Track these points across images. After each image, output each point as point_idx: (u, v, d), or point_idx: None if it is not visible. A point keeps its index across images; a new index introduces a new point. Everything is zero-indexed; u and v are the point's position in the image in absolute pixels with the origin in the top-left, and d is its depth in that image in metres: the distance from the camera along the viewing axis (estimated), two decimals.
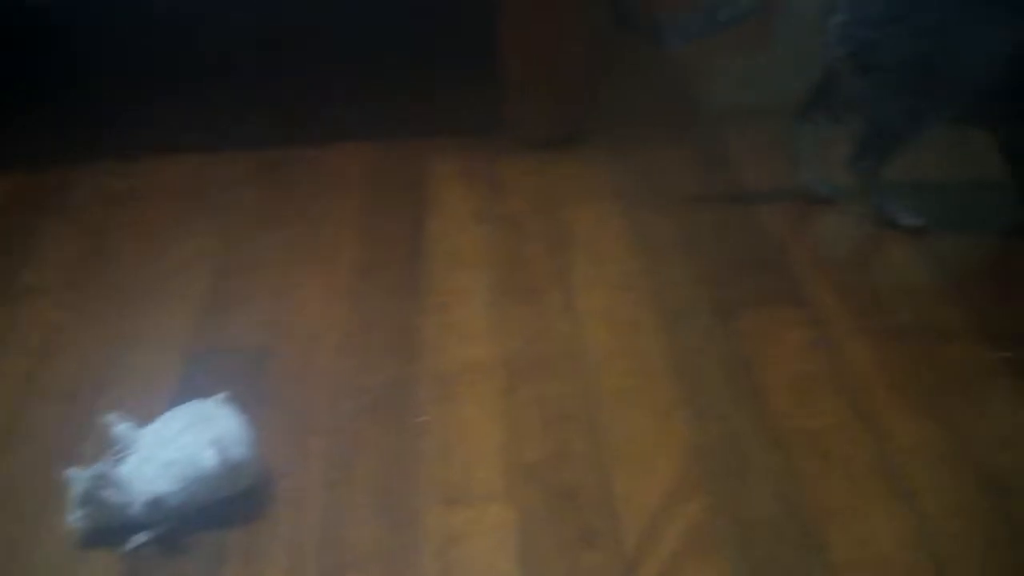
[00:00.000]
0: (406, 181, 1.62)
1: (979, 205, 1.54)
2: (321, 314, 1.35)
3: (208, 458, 1.01)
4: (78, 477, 0.99)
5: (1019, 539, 1.00)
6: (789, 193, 1.55)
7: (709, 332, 1.30)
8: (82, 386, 1.22)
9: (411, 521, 1.03)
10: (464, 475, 1.10)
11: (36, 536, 1.02)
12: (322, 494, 1.07)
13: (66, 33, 2.03)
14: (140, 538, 1.00)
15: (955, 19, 1.38)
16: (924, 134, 1.45)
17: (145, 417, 1.06)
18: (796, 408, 1.17)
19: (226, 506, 1.03)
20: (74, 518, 1.00)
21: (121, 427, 1.04)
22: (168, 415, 1.07)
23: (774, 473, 1.08)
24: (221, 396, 1.08)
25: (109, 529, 1.00)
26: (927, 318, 1.30)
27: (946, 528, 1.01)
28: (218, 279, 1.41)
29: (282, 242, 1.49)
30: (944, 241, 1.44)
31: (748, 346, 1.27)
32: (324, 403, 1.20)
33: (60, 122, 1.81)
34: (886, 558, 0.99)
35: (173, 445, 1.02)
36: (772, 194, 1.56)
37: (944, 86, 1.41)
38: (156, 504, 1.00)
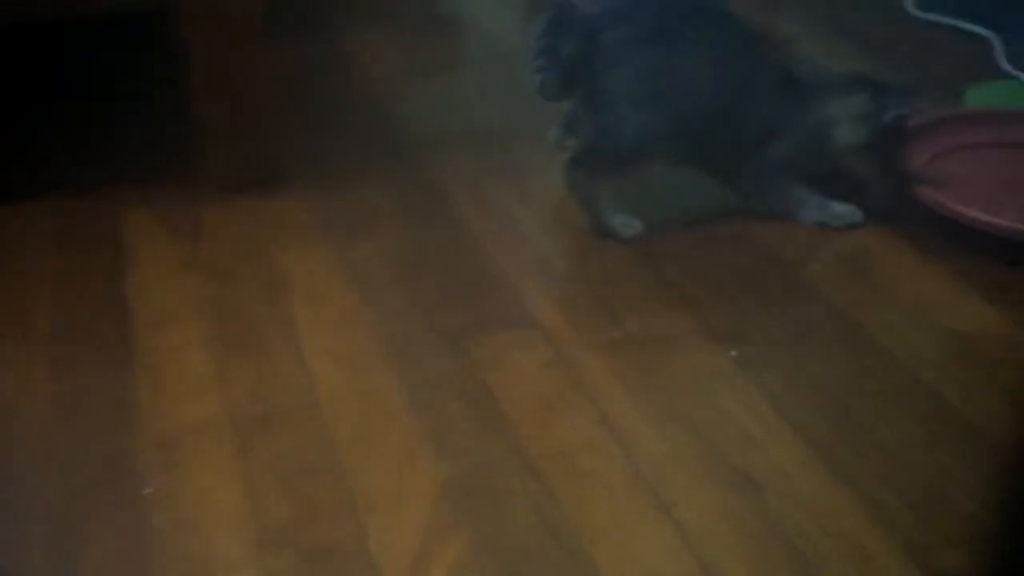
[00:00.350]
0: (102, 234, 1.50)
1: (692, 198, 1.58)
2: (19, 387, 1.22)
3: None
4: None
5: (775, 531, 1.01)
6: (503, 213, 1.54)
7: (442, 363, 1.26)
8: None
9: None
10: (206, 548, 1.00)
11: None
12: None
13: None
14: None
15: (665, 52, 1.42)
16: (644, 166, 1.48)
17: None
18: (544, 431, 1.15)
19: None
20: None
21: None
22: None
23: (532, 500, 1.05)
24: None
25: None
26: (655, 325, 1.31)
27: (708, 532, 1.01)
28: None
29: None
30: (661, 245, 1.46)
31: (484, 373, 1.24)
32: (36, 486, 1.08)
33: None
34: (656, 571, 0.97)
35: None
36: (486, 216, 1.54)
37: (664, 127, 1.43)
38: None
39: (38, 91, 1.89)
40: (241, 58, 1.54)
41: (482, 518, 1.03)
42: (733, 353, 1.26)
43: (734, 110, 1.45)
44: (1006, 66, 1.98)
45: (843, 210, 1.50)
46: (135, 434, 1.15)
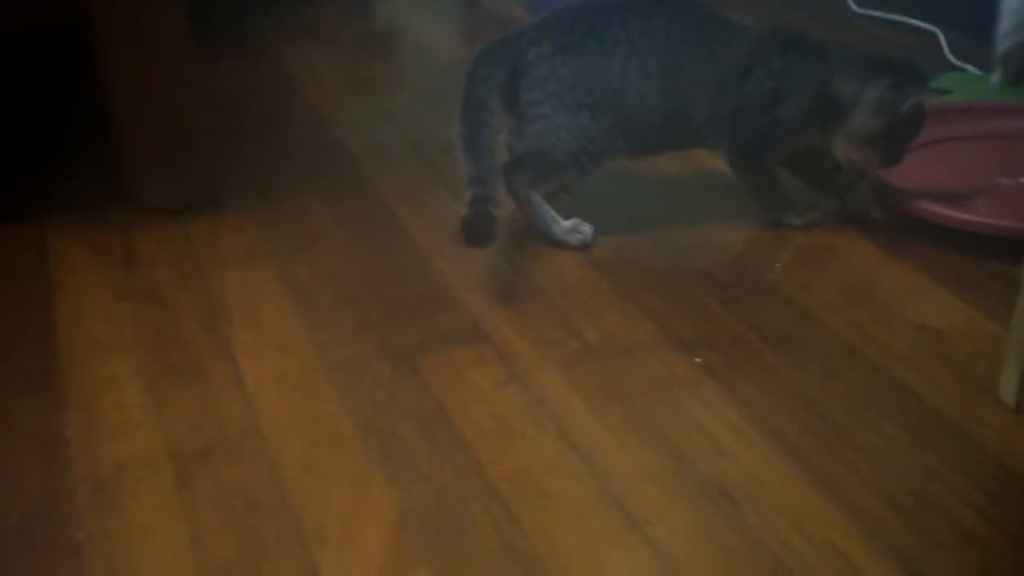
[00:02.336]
0: (28, 265, 1.42)
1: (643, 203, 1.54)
2: None
3: None
4: None
5: (756, 545, 0.95)
6: (449, 227, 1.48)
7: (392, 385, 1.19)
8: None
9: None
10: None
11: None
12: None
13: None
14: None
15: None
16: (598, 168, 1.44)
17: None
18: (503, 452, 1.08)
19: None
20: None
21: None
22: None
23: (494, 525, 0.99)
24: None
25: None
26: (614, 335, 1.26)
27: (685, 551, 0.95)
28: None
29: None
30: (616, 253, 1.41)
31: (437, 394, 1.17)
32: None
33: None
34: None
35: None
36: (432, 230, 1.48)
37: (605, 131, 1.41)
38: None
39: None
40: (167, 78, 1.48)
41: (442, 547, 0.97)
42: (698, 360, 1.20)
43: (693, 92, 1.41)
44: (953, 59, 1.96)
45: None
46: (66, 473, 1.07)
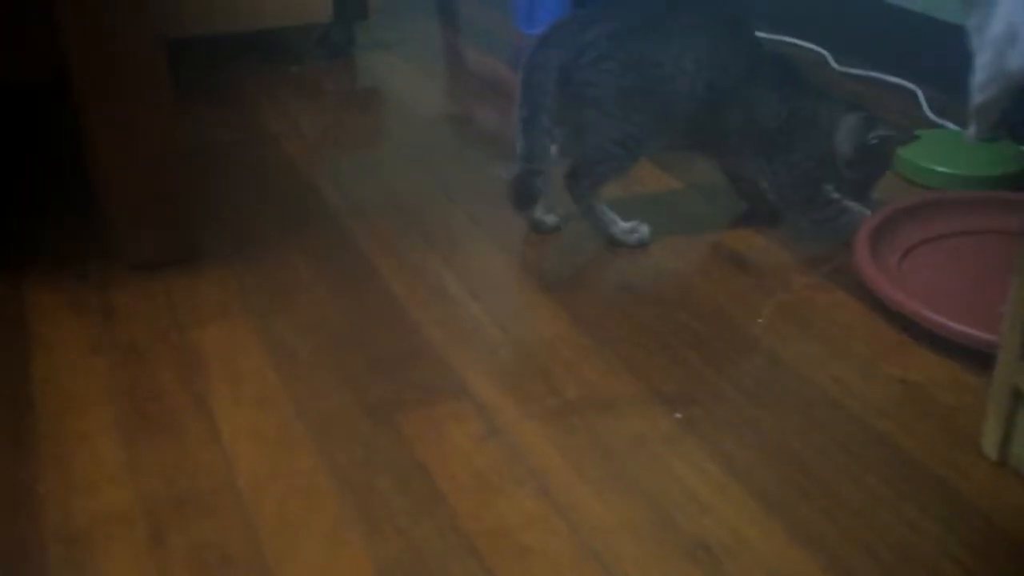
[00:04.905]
0: (6, 318, 1.41)
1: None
2: None
3: None
4: None
5: None
6: (428, 281, 1.48)
7: (369, 440, 1.18)
8: None
9: None
10: None
11: None
12: None
13: None
14: None
15: (657, 56, 1.49)
16: (636, 161, 1.56)
17: None
18: (482, 508, 1.07)
19: None
20: None
21: None
22: None
23: None
24: None
25: None
26: (594, 389, 1.25)
27: None
28: None
29: None
30: (595, 308, 1.40)
31: (415, 449, 1.16)
32: None
33: None
34: None
35: None
36: (411, 284, 1.48)
37: (652, 119, 1.50)
38: None
39: None
40: (146, 131, 1.47)
41: None
42: (678, 415, 1.20)
43: (736, 96, 1.51)
44: (932, 116, 1.98)
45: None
46: (38, 528, 1.06)
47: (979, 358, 1.21)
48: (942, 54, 1.94)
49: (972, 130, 1.61)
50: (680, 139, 1.55)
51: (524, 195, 1.52)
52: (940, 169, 1.73)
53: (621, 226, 1.56)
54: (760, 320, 1.38)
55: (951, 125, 1.91)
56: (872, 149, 1.51)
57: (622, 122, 1.50)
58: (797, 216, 1.57)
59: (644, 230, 1.56)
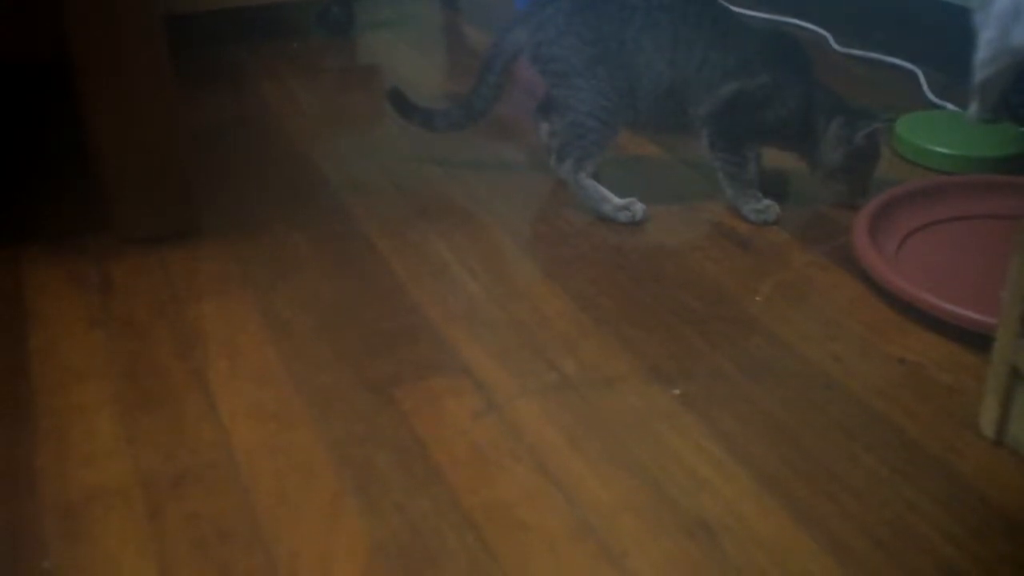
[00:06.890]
0: (3, 292, 1.40)
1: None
2: None
3: None
4: None
5: None
6: (427, 258, 1.47)
7: (368, 415, 1.18)
8: None
9: None
10: None
11: None
12: None
13: None
14: None
15: (619, 31, 1.52)
16: (616, 132, 1.58)
17: None
18: (479, 482, 1.07)
19: None
20: None
21: None
22: None
23: (470, 557, 0.97)
24: None
25: None
26: (592, 366, 1.25)
27: None
28: None
29: None
30: (594, 287, 1.40)
31: (414, 424, 1.16)
32: None
33: None
34: None
35: None
36: (410, 261, 1.47)
37: (622, 92, 1.53)
38: None
39: None
40: (146, 108, 1.47)
41: None
42: (677, 392, 1.20)
43: (699, 72, 1.52)
44: (932, 97, 1.97)
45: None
46: (35, 502, 1.06)
47: (978, 338, 1.21)
48: (943, 35, 1.94)
49: (973, 109, 1.61)
50: (643, 115, 1.57)
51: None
52: (941, 150, 1.73)
53: (613, 203, 1.56)
54: (759, 298, 1.38)
55: (951, 106, 1.91)
56: (862, 147, 1.53)
57: (593, 94, 1.53)
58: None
59: (637, 208, 1.56)
